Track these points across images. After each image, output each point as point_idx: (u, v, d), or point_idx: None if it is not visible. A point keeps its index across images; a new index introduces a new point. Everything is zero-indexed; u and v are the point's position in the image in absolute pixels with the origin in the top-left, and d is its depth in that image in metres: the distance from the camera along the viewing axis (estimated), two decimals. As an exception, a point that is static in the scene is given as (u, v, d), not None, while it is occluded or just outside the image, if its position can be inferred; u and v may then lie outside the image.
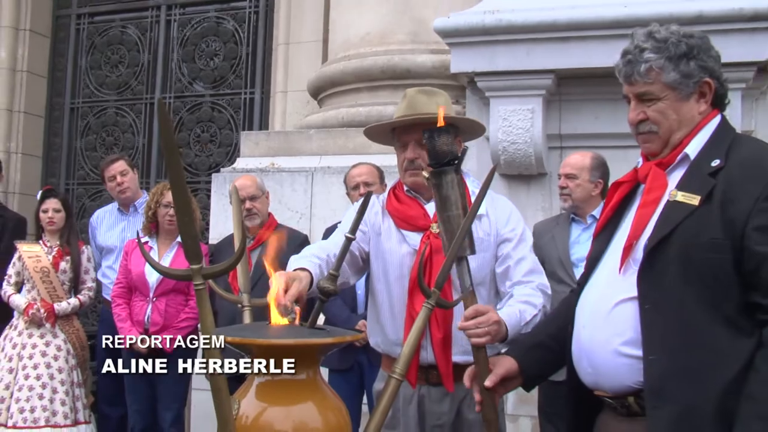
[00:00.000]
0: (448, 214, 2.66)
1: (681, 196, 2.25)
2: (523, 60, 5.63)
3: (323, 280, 2.44)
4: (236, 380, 2.33)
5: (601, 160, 4.84)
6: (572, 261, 4.67)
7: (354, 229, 2.64)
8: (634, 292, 2.26)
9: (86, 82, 10.16)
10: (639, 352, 2.23)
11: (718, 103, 2.43)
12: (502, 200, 3.31)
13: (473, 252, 2.75)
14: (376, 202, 3.39)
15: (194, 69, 9.64)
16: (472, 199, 3.15)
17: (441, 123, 2.70)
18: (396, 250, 3.25)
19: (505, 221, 3.25)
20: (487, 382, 2.56)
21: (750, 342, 2.14)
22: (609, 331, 2.30)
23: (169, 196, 5.51)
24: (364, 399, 5.13)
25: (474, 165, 5.73)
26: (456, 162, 2.67)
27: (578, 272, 4.57)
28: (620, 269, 2.33)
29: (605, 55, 5.48)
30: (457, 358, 3.17)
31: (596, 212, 4.74)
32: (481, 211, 3.14)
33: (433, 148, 2.67)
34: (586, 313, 2.41)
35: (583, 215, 4.78)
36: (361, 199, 2.96)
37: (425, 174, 2.73)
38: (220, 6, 9.65)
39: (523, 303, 3.00)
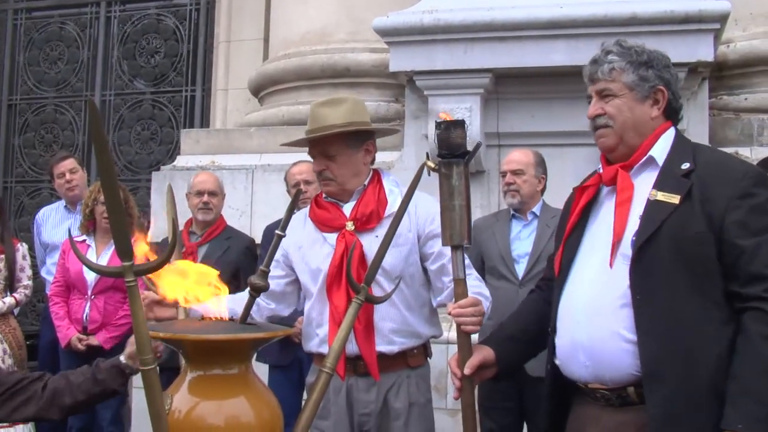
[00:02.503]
0: (454, 203, 2.76)
1: (661, 196, 2.45)
2: (461, 59, 5.71)
3: (254, 277, 2.47)
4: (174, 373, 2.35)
5: (541, 157, 4.92)
6: (513, 257, 4.73)
7: (284, 226, 2.68)
8: (627, 285, 2.42)
9: (24, 79, 9.98)
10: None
11: (672, 115, 2.65)
12: (426, 199, 3.39)
13: (470, 242, 2.86)
14: (297, 218, 3.50)
15: (135, 66, 9.56)
16: (389, 199, 3.37)
17: (448, 117, 2.81)
18: (318, 253, 3.38)
19: (431, 219, 3.36)
20: (466, 370, 2.69)
21: (732, 325, 2.36)
22: (613, 323, 2.44)
23: None
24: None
25: (413, 162, 5.79)
26: (467, 155, 2.77)
27: (519, 268, 4.65)
28: (611, 264, 2.48)
29: (541, 55, 5.60)
30: (381, 347, 3.31)
31: (536, 209, 4.80)
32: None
33: (447, 139, 2.75)
34: (580, 310, 2.53)
35: (524, 212, 4.83)
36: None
37: (431, 164, 2.81)
38: (160, 3, 9.57)
39: (479, 296, 3.08)
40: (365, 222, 3.35)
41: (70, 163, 6.39)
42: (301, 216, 3.54)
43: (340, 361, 3.14)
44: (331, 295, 3.29)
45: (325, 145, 3.38)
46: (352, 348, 3.27)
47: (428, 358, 3.56)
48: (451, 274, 3.23)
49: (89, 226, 5.73)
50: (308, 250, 3.43)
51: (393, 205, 3.35)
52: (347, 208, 3.42)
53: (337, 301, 3.23)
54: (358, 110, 3.47)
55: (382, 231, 3.24)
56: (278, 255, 3.42)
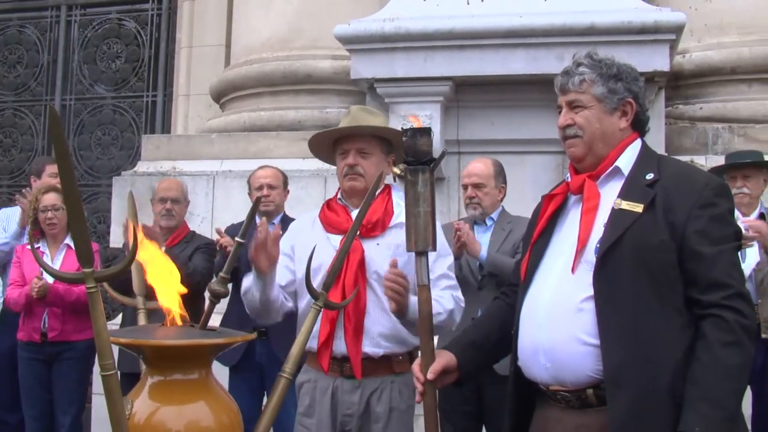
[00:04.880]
0: (419, 210, 2.80)
1: (625, 205, 2.50)
2: (422, 67, 5.77)
3: (214, 283, 2.50)
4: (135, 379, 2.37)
5: (501, 166, 4.96)
6: (476, 262, 4.77)
7: (244, 234, 2.71)
8: (590, 290, 2.47)
9: (-18, 82, 9.90)
10: (599, 342, 2.44)
11: (639, 127, 2.71)
12: None
13: (434, 248, 2.89)
14: (307, 219, 3.70)
15: (95, 71, 9.51)
16: (395, 211, 3.60)
17: (416, 122, 2.87)
18: (321, 252, 3.41)
19: None
20: (429, 375, 2.72)
21: (691, 330, 2.42)
22: (573, 327, 2.48)
23: (45, 200, 5.61)
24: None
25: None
26: (432, 162, 2.81)
27: (478, 272, 4.70)
28: (573, 269, 2.53)
29: (501, 64, 5.66)
30: (366, 349, 3.44)
31: (494, 215, 4.85)
32: (403, 219, 3.41)
33: (414, 145, 2.79)
34: (541, 313, 2.58)
35: (483, 218, 4.88)
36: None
37: (397, 170, 2.86)
38: (122, 7, 9.52)
39: (433, 300, 3.15)
40: (370, 229, 3.50)
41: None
42: (310, 218, 3.69)
43: (325, 357, 3.40)
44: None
45: (364, 142, 3.57)
46: (340, 346, 3.43)
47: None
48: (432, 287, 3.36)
49: (36, 234, 5.69)
50: (316, 251, 3.48)
51: (398, 216, 3.52)
52: (354, 214, 3.53)
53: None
54: (387, 124, 3.70)
55: (383, 240, 3.49)
56: (286, 252, 3.54)
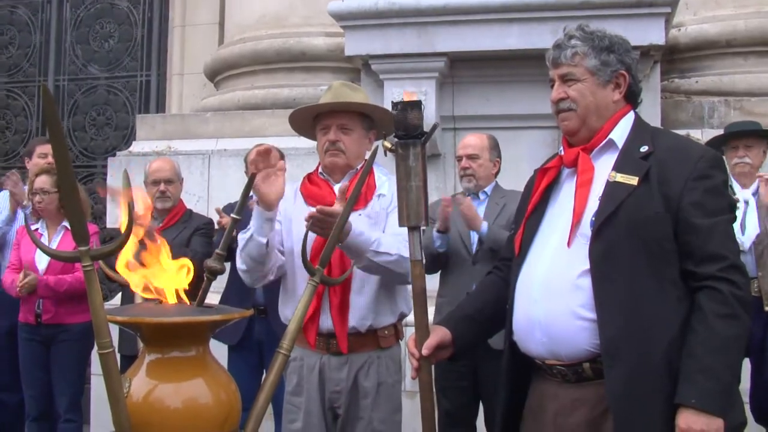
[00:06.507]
0: (411, 184, 2.78)
1: (620, 177, 2.52)
2: (416, 43, 5.75)
3: (210, 260, 2.49)
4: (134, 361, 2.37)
5: (496, 141, 4.97)
6: (471, 237, 4.78)
7: (240, 210, 2.70)
8: (587, 264, 2.48)
9: (-25, 64, 9.84)
10: (595, 316, 2.45)
11: (632, 99, 2.71)
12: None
13: (427, 223, 2.89)
14: (289, 190, 3.60)
15: (88, 51, 9.44)
16: (377, 183, 3.62)
17: (409, 98, 2.83)
18: (302, 224, 3.39)
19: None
20: (424, 351, 2.72)
21: (686, 303, 2.44)
22: (570, 301, 2.49)
23: (36, 183, 5.60)
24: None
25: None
26: (424, 136, 2.79)
27: (475, 247, 4.72)
28: (569, 243, 2.54)
29: (495, 39, 5.64)
30: (354, 322, 3.47)
31: (488, 189, 4.86)
32: (384, 191, 3.54)
33: (404, 119, 2.77)
34: (537, 287, 2.59)
35: (477, 191, 4.89)
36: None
37: (388, 144, 2.84)
38: (113, -14, 9.47)
39: (390, 236, 3.34)
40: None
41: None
42: (291, 189, 3.65)
43: (311, 332, 3.43)
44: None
45: (346, 118, 3.58)
46: (327, 323, 3.46)
47: (399, 341, 3.68)
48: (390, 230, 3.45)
49: (36, 215, 5.72)
50: (296, 223, 3.51)
51: (380, 188, 3.56)
52: (337, 189, 3.52)
53: None
54: (369, 99, 3.72)
55: (365, 211, 3.50)
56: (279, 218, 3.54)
